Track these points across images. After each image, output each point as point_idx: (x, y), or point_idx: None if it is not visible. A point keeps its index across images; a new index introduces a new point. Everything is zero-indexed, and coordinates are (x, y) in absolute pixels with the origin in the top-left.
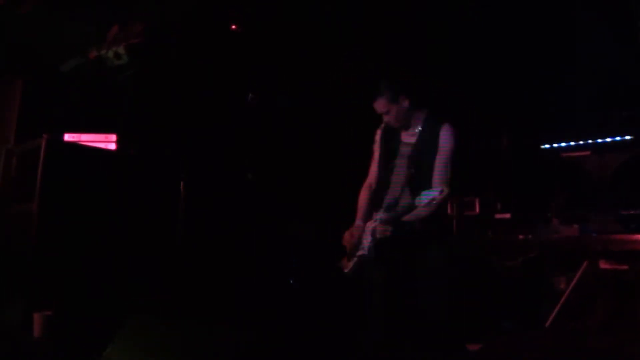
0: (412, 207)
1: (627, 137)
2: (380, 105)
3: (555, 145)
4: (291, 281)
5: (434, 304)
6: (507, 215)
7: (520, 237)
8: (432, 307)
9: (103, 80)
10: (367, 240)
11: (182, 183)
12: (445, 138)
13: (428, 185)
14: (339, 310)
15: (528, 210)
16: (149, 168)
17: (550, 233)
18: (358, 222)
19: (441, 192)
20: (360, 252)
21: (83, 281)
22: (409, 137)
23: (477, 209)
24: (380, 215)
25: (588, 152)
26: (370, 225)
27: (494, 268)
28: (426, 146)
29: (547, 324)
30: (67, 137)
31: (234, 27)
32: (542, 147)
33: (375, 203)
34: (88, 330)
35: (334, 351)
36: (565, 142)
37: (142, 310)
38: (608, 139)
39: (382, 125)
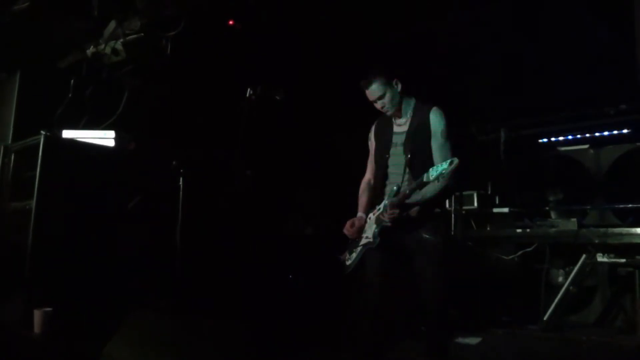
0: (421, 184)
1: (625, 131)
2: (375, 91)
3: (552, 139)
4: (290, 276)
5: (432, 290)
6: (505, 210)
7: (518, 231)
8: (430, 293)
9: (101, 76)
10: (371, 229)
11: (180, 179)
12: (436, 120)
13: (427, 168)
14: (338, 304)
15: (526, 204)
16: (148, 164)
17: (548, 227)
18: (360, 214)
19: (451, 162)
20: (364, 241)
21: (83, 277)
22: (400, 127)
23: (475, 203)
24: (385, 201)
25: (586, 146)
26: (374, 214)
27: (492, 262)
28: (418, 131)
29: (545, 317)
30: (65, 133)
31: (231, 22)
32: (540, 141)
33: (375, 196)
34: (88, 327)
35: (332, 344)
36: (563, 136)
37: (141, 306)
38: (605, 133)
39: (375, 122)
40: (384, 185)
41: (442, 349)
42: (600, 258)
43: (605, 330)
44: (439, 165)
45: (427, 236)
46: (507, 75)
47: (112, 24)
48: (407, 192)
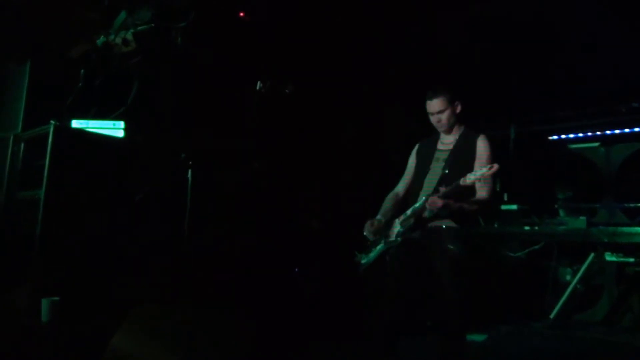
0: (457, 187)
1: (636, 129)
2: (437, 104)
3: (563, 136)
4: (297, 269)
5: (448, 297)
6: (514, 207)
7: (526, 228)
8: (446, 300)
9: (111, 66)
10: (394, 230)
11: (189, 170)
12: (483, 146)
13: None
14: (344, 299)
15: (535, 201)
16: (156, 156)
17: (557, 225)
18: (379, 216)
19: (490, 167)
20: (385, 240)
21: (91, 267)
22: (446, 145)
23: None
24: (412, 207)
25: (596, 144)
26: (399, 219)
27: (499, 259)
28: (463, 151)
29: (552, 315)
30: (75, 123)
31: (242, 14)
32: (550, 138)
33: (400, 209)
34: (95, 317)
35: (337, 339)
36: (574, 134)
37: (149, 297)
38: (617, 131)
39: (419, 142)
40: (417, 195)
41: (454, 355)
42: (609, 257)
43: (612, 329)
44: (478, 170)
45: (452, 247)
46: (518, 72)
47: (123, 14)
48: (441, 194)
